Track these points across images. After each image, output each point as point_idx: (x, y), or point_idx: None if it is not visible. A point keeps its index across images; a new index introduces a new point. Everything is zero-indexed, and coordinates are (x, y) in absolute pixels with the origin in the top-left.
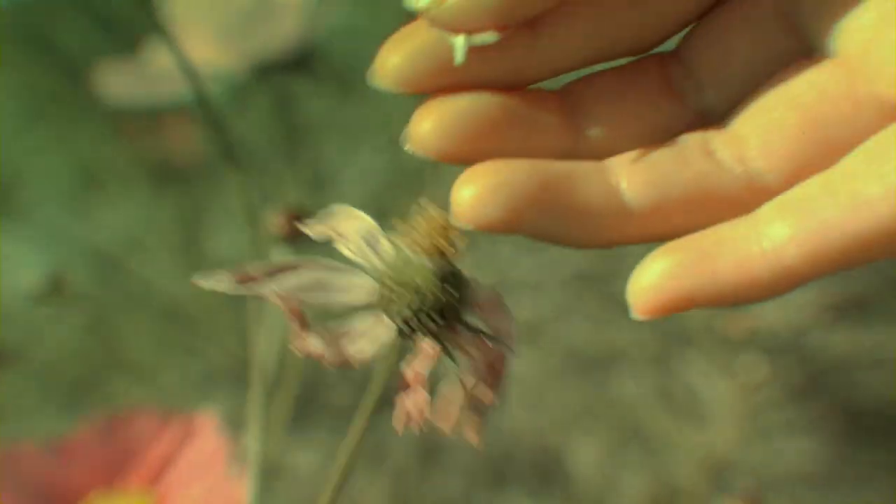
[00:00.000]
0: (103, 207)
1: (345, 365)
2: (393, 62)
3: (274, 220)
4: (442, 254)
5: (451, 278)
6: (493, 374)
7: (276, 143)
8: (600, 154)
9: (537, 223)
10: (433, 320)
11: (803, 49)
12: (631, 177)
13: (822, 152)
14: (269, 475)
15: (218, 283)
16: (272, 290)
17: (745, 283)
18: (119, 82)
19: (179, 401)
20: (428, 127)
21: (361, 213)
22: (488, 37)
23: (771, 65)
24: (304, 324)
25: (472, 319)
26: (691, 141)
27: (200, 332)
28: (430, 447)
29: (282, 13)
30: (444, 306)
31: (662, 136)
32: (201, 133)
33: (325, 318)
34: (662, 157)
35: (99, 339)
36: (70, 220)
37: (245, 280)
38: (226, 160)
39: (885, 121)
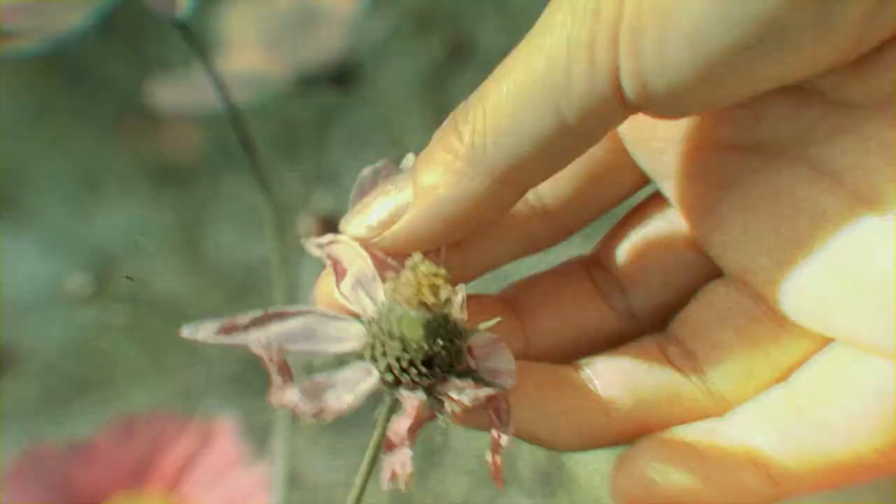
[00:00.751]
0: (104, 208)
1: (321, 416)
2: (328, 288)
3: (305, 225)
4: (430, 307)
5: (442, 328)
6: (497, 413)
7: (282, 144)
8: (549, 357)
9: (530, 424)
10: (419, 372)
11: (715, 269)
12: (605, 381)
13: (762, 366)
14: (290, 482)
15: (200, 333)
16: (256, 339)
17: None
18: (168, 93)
19: (179, 401)
20: None
21: (362, 251)
22: None
23: (686, 278)
24: (287, 376)
25: (467, 365)
26: (651, 349)
27: None
28: (432, 447)
29: (328, 26)
30: (432, 356)
31: (598, 336)
32: (203, 135)
33: (309, 370)
34: (631, 364)
35: (101, 339)
36: (71, 221)
37: (229, 330)
38: (250, 165)
39: (809, 341)
